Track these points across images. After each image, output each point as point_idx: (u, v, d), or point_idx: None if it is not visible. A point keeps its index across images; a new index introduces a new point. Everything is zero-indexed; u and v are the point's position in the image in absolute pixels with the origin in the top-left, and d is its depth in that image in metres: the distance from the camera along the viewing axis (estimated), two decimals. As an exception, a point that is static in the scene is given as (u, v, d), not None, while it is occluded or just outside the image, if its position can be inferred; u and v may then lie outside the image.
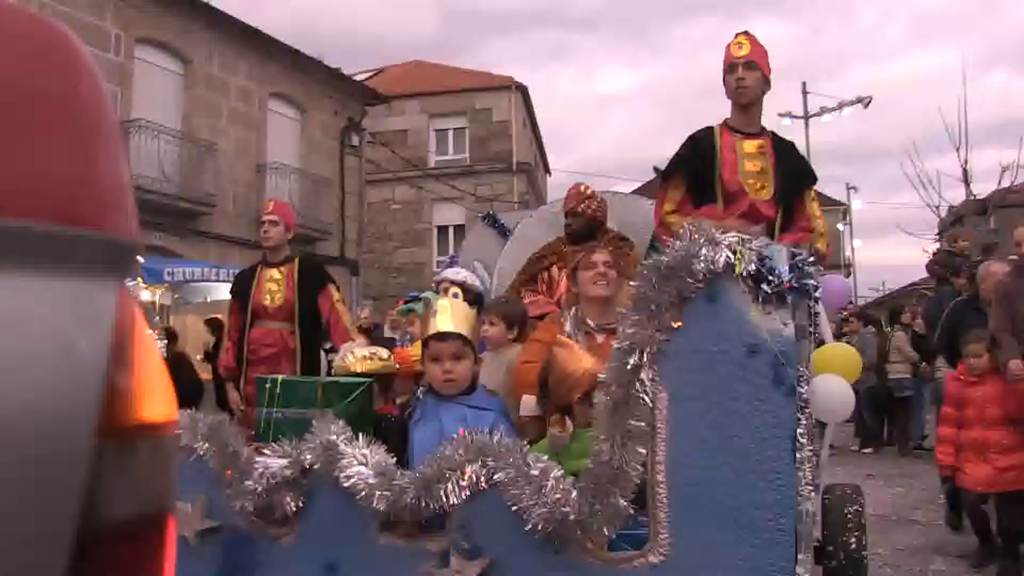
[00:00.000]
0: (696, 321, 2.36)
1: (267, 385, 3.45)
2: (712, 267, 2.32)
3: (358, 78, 22.18)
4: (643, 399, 2.34)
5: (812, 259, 2.41)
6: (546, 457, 2.56)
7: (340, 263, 19.80)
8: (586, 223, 4.89)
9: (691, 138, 3.98)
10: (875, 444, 11.58)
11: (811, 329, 2.51)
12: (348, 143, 20.43)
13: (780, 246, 2.40)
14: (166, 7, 15.55)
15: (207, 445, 2.96)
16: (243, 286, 5.46)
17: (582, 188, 5.01)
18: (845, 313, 12.43)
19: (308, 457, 2.75)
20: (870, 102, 25.48)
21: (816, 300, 2.49)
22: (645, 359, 2.36)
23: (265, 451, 2.85)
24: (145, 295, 11.95)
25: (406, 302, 6.43)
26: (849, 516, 3.98)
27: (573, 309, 3.76)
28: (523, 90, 28.53)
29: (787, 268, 2.32)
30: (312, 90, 19.32)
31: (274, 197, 6.24)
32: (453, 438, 2.60)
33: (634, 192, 9.19)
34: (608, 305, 3.60)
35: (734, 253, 2.32)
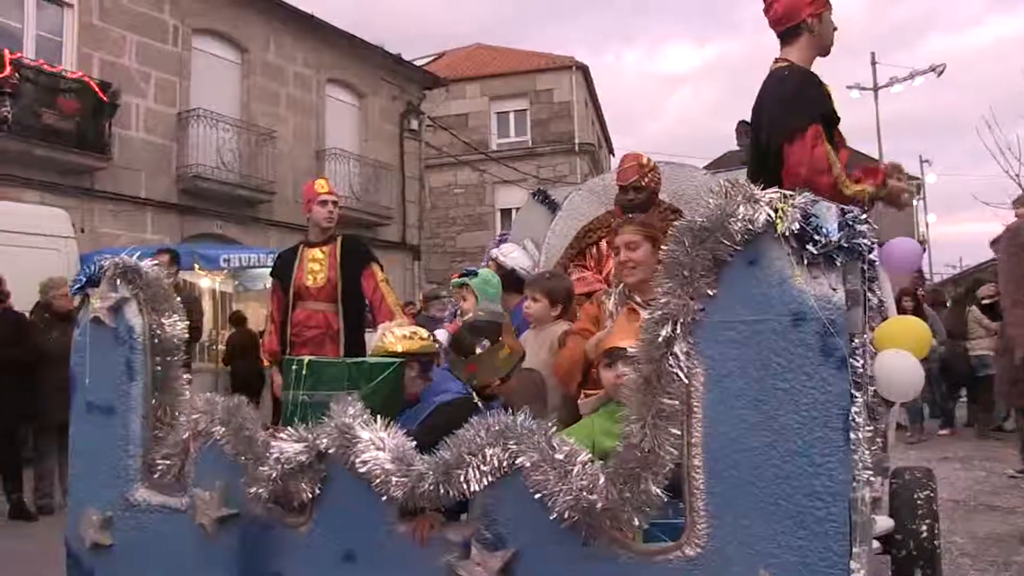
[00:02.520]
0: (734, 287, 2.11)
1: (293, 367, 3.29)
2: (751, 227, 2.07)
3: (419, 63, 22.08)
4: (677, 375, 2.11)
5: (865, 216, 2.14)
6: (579, 436, 2.36)
7: (401, 248, 19.81)
8: (649, 196, 4.65)
9: (817, 82, 3.37)
10: (950, 426, 11.07)
11: (868, 295, 2.24)
12: (407, 128, 20.38)
13: (828, 203, 2.14)
14: (221, -4, 15.64)
15: (223, 430, 2.82)
16: (285, 267, 5.35)
17: (643, 160, 4.75)
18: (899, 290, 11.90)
19: (324, 441, 2.59)
20: (943, 70, 24.58)
21: (871, 263, 2.22)
22: (679, 331, 2.12)
23: (281, 435, 2.70)
24: (204, 282, 12.04)
25: (461, 275, 6.28)
26: (920, 502, 3.70)
27: (620, 285, 3.54)
28: (584, 69, 28.15)
29: (836, 226, 2.06)
30: (370, 75, 19.28)
31: (325, 177, 6.05)
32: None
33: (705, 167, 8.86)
34: (645, 283, 3.37)
35: (775, 211, 2.07)
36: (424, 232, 21.90)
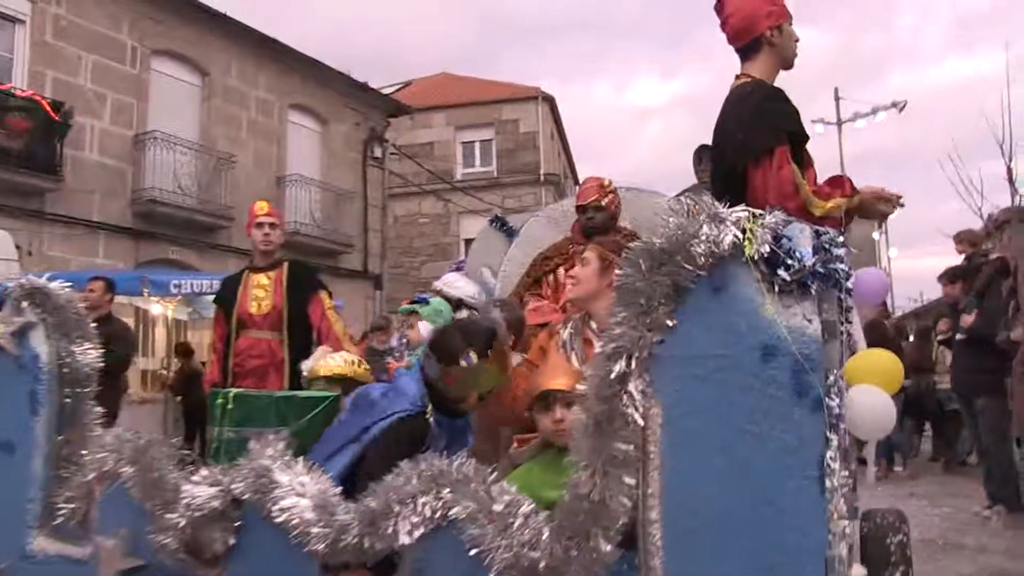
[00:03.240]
0: (697, 318, 1.88)
1: (219, 400, 3.02)
2: (716, 249, 1.84)
3: (386, 91, 21.86)
4: (631, 416, 1.87)
5: (841, 240, 1.92)
6: (516, 488, 2.09)
7: (363, 277, 19.47)
8: (608, 218, 4.46)
9: (782, 98, 3.14)
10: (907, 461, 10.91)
11: (842, 327, 2.02)
12: (371, 155, 20.12)
13: (801, 224, 1.92)
14: (182, 18, 15.33)
15: (131, 470, 2.53)
16: (228, 294, 5.05)
17: (604, 181, 4.57)
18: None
19: (239, 486, 2.31)
20: (905, 106, 24.84)
21: (847, 291, 2.00)
22: (633, 366, 1.88)
23: (194, 478, 2.42)
24: (156, 308, 11.64)
25: (411, 302, 6.01)
26: (893, 548, 3.47)
27: (580, 314, 3.31)
28: (550, 100, 28.14)
29: (810, 249, 1.84)
30: (333, 101, 19.02)
31: (265, 199, 5.76)
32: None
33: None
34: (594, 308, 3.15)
35: (743, 231, 1.84)
36: (387, 261, 21.59)
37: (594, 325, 3.16)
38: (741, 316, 1.83)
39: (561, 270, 4.61)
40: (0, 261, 9.59)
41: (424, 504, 2.03)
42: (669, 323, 1.88)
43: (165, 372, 13.24)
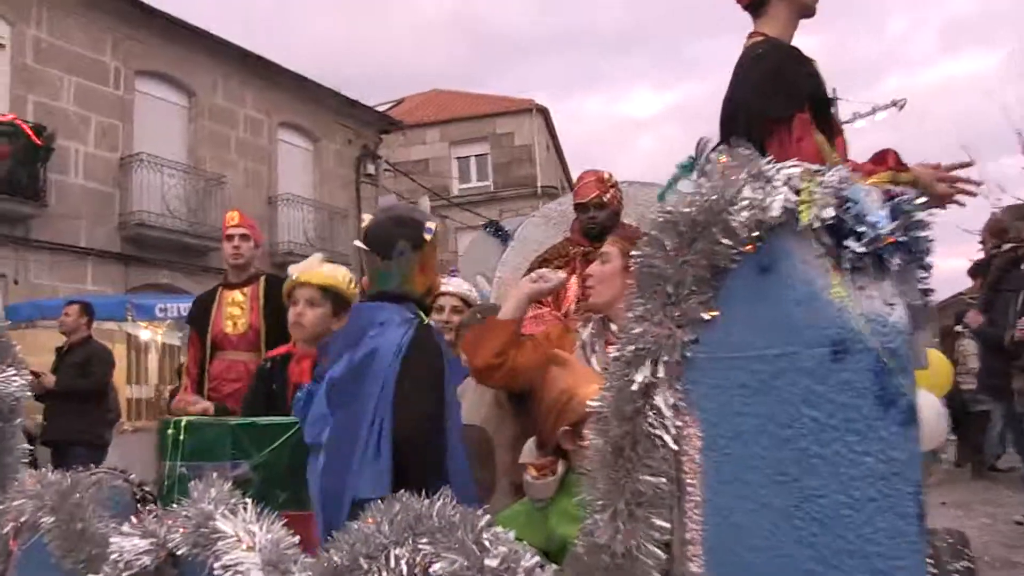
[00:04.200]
0: (742, 308, 1.44)
1: (168, 430, 2.59)
2: (763, 217, 1.41)
3: (379, 110, 21.49)
4: (661, 439, 1.43)
5: (923, 201, 1.48)
6: (517, 531, 1.65)
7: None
8: (612, 216, 4.05)
9: (799, 58, 2.75)
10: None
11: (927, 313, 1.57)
12: (364, 172, 19.75)
13: (867, 185, 1.49)
14: (166, 38, 14.99)
15: (52, 520, 2.09)
16: (201, 313, 4.63)
17: (603, 175, 4.15)
18: None
19: (175, 537, 1.87)
20: (904, 104, 24.49)
21: (930, 269, 1.56)
22: (661, 373, 1.45)
23: (124, 527, 1.98)
24: (144, 334, 11.24)
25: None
26: None
27: (599, 315, 2.87)
28: (544, 112, 27.83)
29: (886, 213, 1.41)
30: (324, 119, 18.65)
31: (236, 209, 5.36)
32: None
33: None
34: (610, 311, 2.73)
35: (797, 192, 1.41)
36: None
37: (615, 328, 2.73)
38: (799, 303, 1.39)
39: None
40: (-23, 289, 9.23)
41: (399, 558, 1.59)
42: (705, 316, 1.44)
43: (165, 397, 12.79)
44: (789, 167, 1.44)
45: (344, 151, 19.26)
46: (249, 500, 1.89)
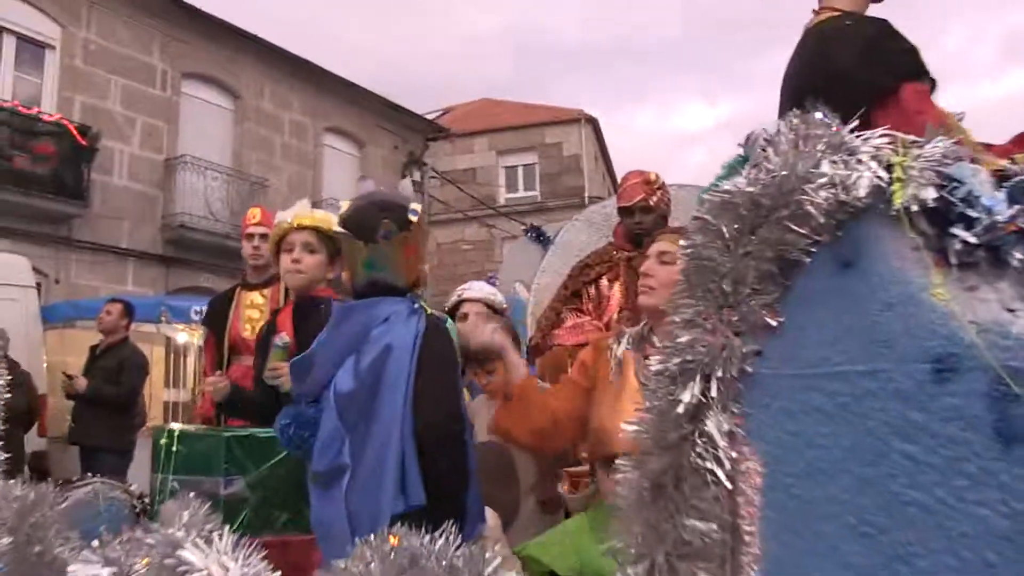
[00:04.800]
0: (816, 312, 1.15)
1: (162, 440, 2.35)
2: (845, 198, 1.12)
3: (427, 117, 21.41)
4: (711, 475, 1.14)
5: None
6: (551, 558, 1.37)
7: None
8: (659, 220, 3.78)
9: (897, 33, 2.46)
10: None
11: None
12: (410, 178, 19.62)
13: (973, 163, 1.19)
14: (214, 41, 15.00)
15: (8, 542, 1.86)
16: (218, 315, 4.41)
17: (650, 176, 3.87)
18: None
19: (138, 566, 1.62)
20: (963, 117, 23.83)
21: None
22: (714, 392, 1.16)
23: (84, 553, 1.73)
24: (181, 336, 11.14)
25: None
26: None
27: (641, 326, 2.58)
28: (594, 122, 27.52)
29: (1004, 197, 1.12)
30: (370, 124, 18.58)
31: (259, 206, 5.13)
32: None
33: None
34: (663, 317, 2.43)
35: (889, 168, 1.12)
36: (429, 288, 21.03)
37: (653, 339, 2.45)
38: (891, 307, 1.10)
39: (604, 281, 3.91)
40: (16, 287, 9.17)
41: (389, 606, 1.32)
42: (771, 321, 1.15)
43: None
44: (879, 137, 1.15)
45: (390, 157, 19.17)
46: (229, 526, 1.63)
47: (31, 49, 12.76)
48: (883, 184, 1.11)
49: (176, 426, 2.37)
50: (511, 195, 27.17)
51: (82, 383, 6.69)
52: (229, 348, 4.23)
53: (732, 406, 1.14)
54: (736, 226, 1.16)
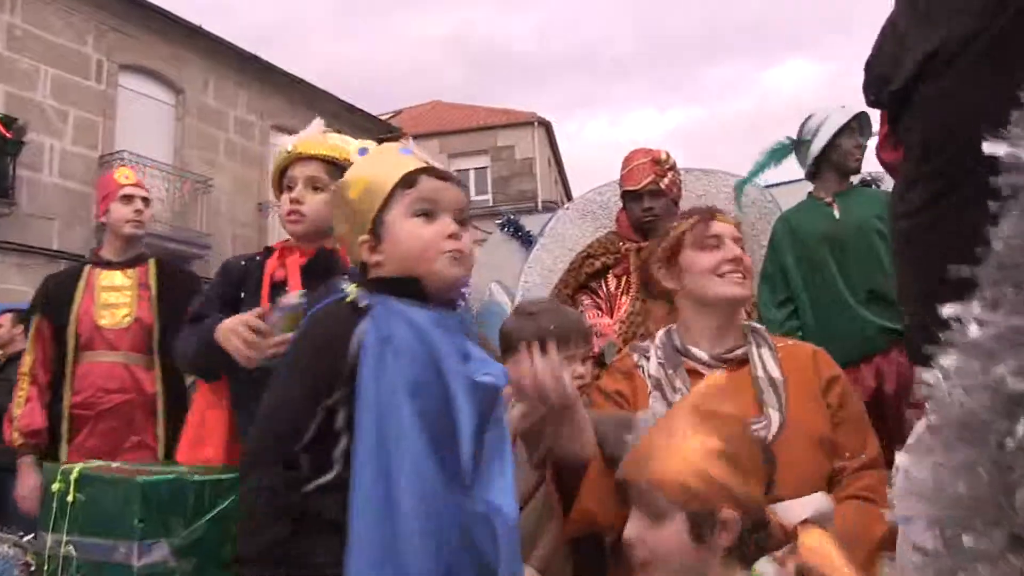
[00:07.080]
0: None
1: (55, 486, 1.68)
2: None
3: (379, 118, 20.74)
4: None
5: None
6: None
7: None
8: (670, 205, 3.23)
9: None
10: None
11: None
12: (360, 180, 18.96)
13: None
14: (154, 32, 14.18)
15: None
16: (55, 299, 3.34)
17: (660, 155, 3.30)
18: None
19: None
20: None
21: None
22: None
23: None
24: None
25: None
26: None
27: (663, 333, 1.98)
28: (547, 125, 27.09)
29: None
30: (319, 123, 17.85)
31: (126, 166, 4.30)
32: None
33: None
34: (736, 315, 1.89)
35: None
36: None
37: (700, 352, 1.89)
38: None
39: (611, 276, 3.33)
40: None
41: None
42: None
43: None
44: None
45: (339, 158, 18.46)
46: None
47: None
48: None
49: (76, 466, 1.68)
50: (463, 200, 26.65)
51: None
52: (78, 340, 3.25)
53: None
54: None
